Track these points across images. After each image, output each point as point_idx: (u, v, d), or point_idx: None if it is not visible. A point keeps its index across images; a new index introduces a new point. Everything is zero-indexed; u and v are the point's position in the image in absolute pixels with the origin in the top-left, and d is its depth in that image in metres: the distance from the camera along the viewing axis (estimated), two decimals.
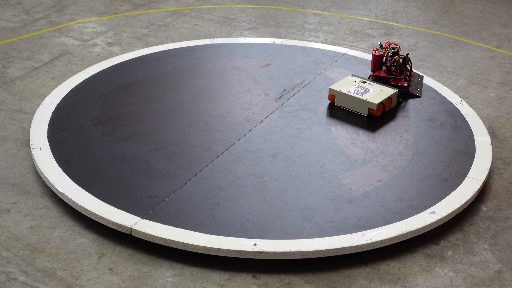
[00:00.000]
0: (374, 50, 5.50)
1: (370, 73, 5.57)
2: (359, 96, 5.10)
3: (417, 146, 4.74)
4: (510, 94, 5.79)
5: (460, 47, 6.77)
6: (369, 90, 5.18)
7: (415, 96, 5.44)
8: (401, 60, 5.43)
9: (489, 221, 4.17)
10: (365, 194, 4.18)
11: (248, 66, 5.88)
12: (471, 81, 6.01)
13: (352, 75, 5.45)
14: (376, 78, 5.44)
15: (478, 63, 6.40)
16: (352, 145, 4.72)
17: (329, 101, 5.29)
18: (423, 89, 5.57)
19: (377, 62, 5.49)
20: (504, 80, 6.05)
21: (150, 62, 5.87)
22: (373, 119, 5.06)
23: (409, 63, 5.58)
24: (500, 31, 7.22)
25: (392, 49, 5.47)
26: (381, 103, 5.05)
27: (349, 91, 5.16)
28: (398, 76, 5.43)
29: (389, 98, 5.15)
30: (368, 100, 5.05)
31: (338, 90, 5.19)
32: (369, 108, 5.06)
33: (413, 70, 5.88)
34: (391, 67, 5.43)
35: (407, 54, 5.51)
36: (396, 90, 5.23)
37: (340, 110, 5.18)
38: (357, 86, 5.25)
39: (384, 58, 5.49)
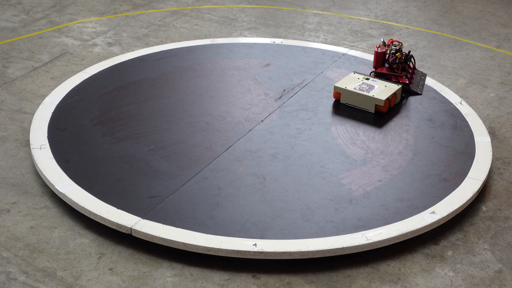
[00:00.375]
0: (377, 47, 5.55)
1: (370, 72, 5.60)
2: (365, 93, 5.13)
3: (417, 146, 4.74)
4: (510, 94, 5.79)
5: (460, 47, 6.77)
6: (374, 86, 5.22)
7: (416, 93, 5.46)
8: (403, 57, 5.46)
9: (489, 221, 4.17)
10: (365, 194, 4.18)
11: (248, 66, 5.88)
12: (471, 81, 6.01)
13: (354, 72, 5.48)
14: (377, 75, 5.49)
15: (478, 63, 6.40)
16: (352, 145, 4.72)
17: (334, 99, 5.32)
18: (424, 88, 5.57)
19: (379, 59, 5.54)
20: (504, 80, 6.05)
21: (150, 62, 5.87)
22: (375, 117, 5.06)
23: (413, 60, 5.62)
24: (500, 31, 7.22)
25: (394, 46, 5.51)
26: (387, 99, 5.10)
27: (354, 88, 5.20)
28: (399, 73, 5.46)
29: (394, 93, 5.20)
30: (375, 96, 5.09)
31: (344, 87, 5.22)
32: (376, 105, 5.09)
33: (417, 68, 5.91)
34: (392, 64, 5.47)
35: (409, 52, 5.55)
36: (400, 86, 5.28)
37: (340, 110, 5.18)
38: (361, 83, 5.29)
39: (387, 55, 5.53)
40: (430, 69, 6.21)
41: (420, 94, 5.46)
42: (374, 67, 5.58)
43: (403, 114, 5.17)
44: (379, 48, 5.52)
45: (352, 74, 5.45)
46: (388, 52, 5.51)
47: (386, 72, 5.47)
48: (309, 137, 4.80)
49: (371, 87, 5.21)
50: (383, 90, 5.18)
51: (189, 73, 5.70)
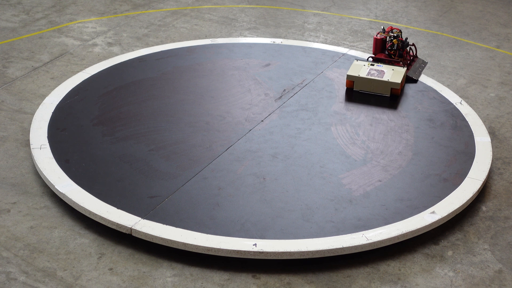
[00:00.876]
0: (377, 34, 5.78)
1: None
2: (379, 78, 5.35)
3: (417, 146, 4.74)
4: (510, 94, 5.79)
5: (460, 47, 6.77)
6: (383, 71, 5.44)
7: (412, 79, 5.65)
8: (400, 44, 5.67)
9: (489, 221, 4.17)
10: (365, 194, 4.18)
11: (248, 66, 5.88)
12: (471, 81, 6.01)
13: (356, 60, 5.67)
14: (375, 60, 5.70)
15: (478, 63, 6.40)
16: (352, 145, 4.72)
17: (346, 87, 5.50)
18: (422, 88, 5.57)
19: (378, 45, 5.76)
20: (504, 80, 6.05)
21: (150, 62, 5.87)
22: (375, 117, 5.06)
23: (414, 49, 5.87)
24: (500, 31, 7.22)
25: (392, 33, 5.74)
26: (401, 82, 5.34)
27: (367, 75, 5.39)
28: (396, 59, 5.67)
29: (404, 76, 5.44)
30: (390, 80, 5.31)
31: (357, 75, 5.40)
32: (391, 88, 5.31)
33: (418, 56, 6.13)
34: (390, 50, 5.70)
35: (406, 38, 5.77)
36: (405, 68, 5.52)
37: (340, 109, 5.18)
38: (369, 69, 5.50)
39: (388, 43, 5.76)
40: (430, 69, 6.21)
41: (416, 81, 5.65)
42: (373, 53, 5.79)
43: (403, 114, 5.17)
44: (378, 35, 5.74)
45: (356, 62, 5.63)
46: (387, 39, 5.73)
47: (383, 58, 5.69)
48: (309, 137, 4.80)
49: (381, 72, 5.42)
50: (393, 74, 5.41)
51: (189, 73, 5.70)
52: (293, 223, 3.89)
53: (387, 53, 5.74)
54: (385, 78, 5.35)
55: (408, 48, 5.83)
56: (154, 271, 3.65)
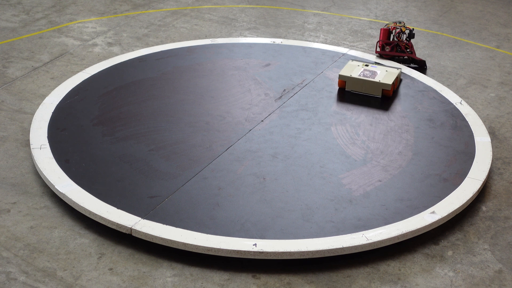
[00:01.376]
0: (385, 25, 6.10)
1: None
2: (371, 79, 5.36)
3: (417, 146, 4.74)
4: (510, 94, 5.79)
5: (460, 47, 6.77)
6: (376, 72, 5.47)
7: (420, 60, 5.98)
8: (407, 32, 5.94)
9: (489, 221, 4.17)
10: (365, 194, 4.18)
11: (248, 66, 5.88)
12: (471, 81, 6.01)
13: (352, 60, 5.74)
14: (382, 55, 6.01)
15: (478, 63, 6.40)
16: (352, 145, 4.72)
17: (338, 87, 5.53)
18: (422, 88, 5.57)
19: (385, 34, 6.04)
20: (504, 80, 6.05)
21: (150, 62, 5.87)
22: (375, 116, 5.06)
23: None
24: (500, 31, 7.22)
25: (399, 23, 6.04)
26: (393, 83, 5.35)
27: (359, 75, 5.40)
28: (405, 44, 5.94)
29: (397, 77, 5.47)
30: (382, 81, 5.32)
31: (349, 75, 5.42)
32: (383, 89, 5.32)
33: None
34: (398, 37, 5.95)
35: (413, 29, 5.98)
36: (400, 70, 5.58)
37: (340, 109, 5.18)
38: (362, 69, 5.52)
39: (392, 35, 6.03)
40: (430, 69, 6.21)
41: (426, 67, 6.01)
42: (380, 45, 6.04)
43: (403, 114, 5.17)
44: (385, 26, 6.04)
45: (350, 62, 5.67)
46: (393, 31, 5.99)
47: (392, 47, 5.96)
48: (309, 137, 4.80)
49: (374, 73, 5.44)
50: (386, 75, 5.42)
51: (189, 73, 5.70)
52: (293, 223, 3.89)
53: (396, 38, 5.94)
54: (376, 79, 5.35)
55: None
56: (154, 271, 3.65)
